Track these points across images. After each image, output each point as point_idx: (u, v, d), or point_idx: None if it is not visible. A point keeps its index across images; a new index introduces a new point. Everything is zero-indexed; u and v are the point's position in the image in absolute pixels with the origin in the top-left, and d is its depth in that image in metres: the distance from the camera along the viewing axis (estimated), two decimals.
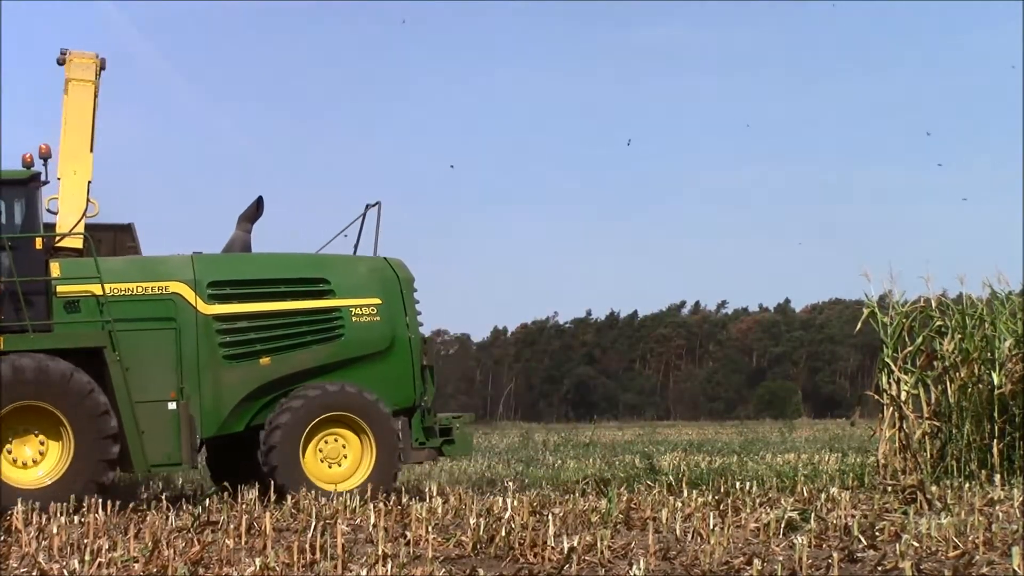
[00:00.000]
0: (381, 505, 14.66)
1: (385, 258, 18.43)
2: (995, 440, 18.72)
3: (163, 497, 16.24)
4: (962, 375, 19.22)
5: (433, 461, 19.18)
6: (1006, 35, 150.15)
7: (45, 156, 16.92)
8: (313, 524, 12.27)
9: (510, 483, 19.61)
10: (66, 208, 17.19)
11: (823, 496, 15.58)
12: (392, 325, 18.09)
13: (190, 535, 12.41)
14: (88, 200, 17.22)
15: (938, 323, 19.71)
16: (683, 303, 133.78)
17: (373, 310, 18.02)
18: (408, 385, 18.17)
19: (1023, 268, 39.32)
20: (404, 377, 18.17)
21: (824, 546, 11.89)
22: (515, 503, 14.60)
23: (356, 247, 18.50)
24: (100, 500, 14.98)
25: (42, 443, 16.41)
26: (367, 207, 18.44)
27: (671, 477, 18.96)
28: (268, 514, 12.54)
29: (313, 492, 16.40)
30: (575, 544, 11.09)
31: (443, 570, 10.52)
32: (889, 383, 19.56)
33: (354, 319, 17.93)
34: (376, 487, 16.89)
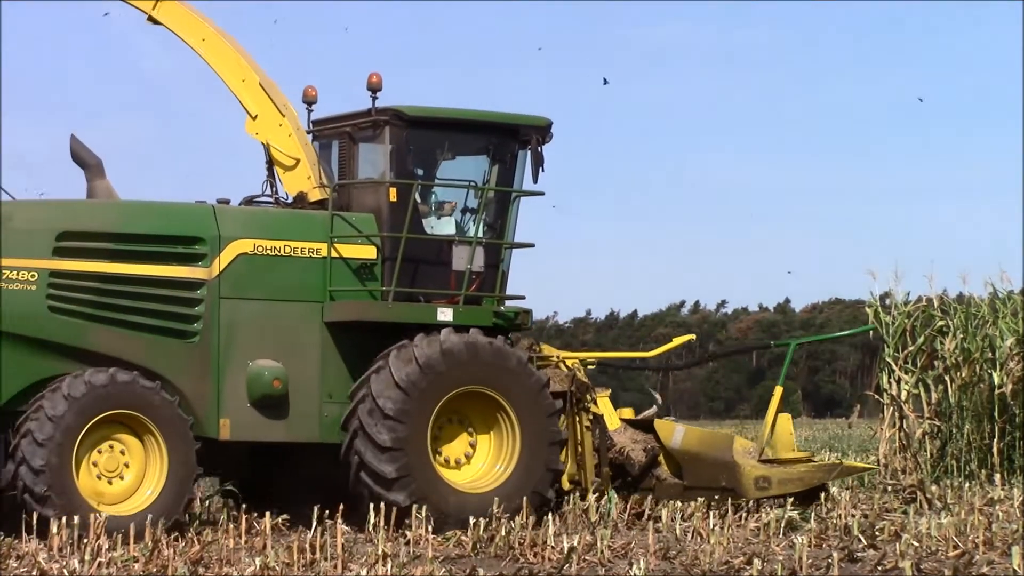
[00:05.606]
0: (381, 504, 14.57)
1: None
2: (995, 440, 18.71)
3: None
4: (963, 375, 19.19)
5: None
6: (1006, 35, 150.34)
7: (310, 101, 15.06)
8: (313, 524, 12.26)
9: None
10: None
11: (823, 496, 15.56)
12: None
13: (190, 535, 12.40)
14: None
15: (940, 323, 19.68)
16: (683, 303, 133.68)
17: None
18: None
19: (1023, 267, 39.24)
20: None
21: (824, 546, 11.89)
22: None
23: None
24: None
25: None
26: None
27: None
28: (268, 514, 12.51)
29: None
30: (575, 544, 11.08)
31: (443, 570, 10.51)
32: (890, 383, 19.55)
33: None
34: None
